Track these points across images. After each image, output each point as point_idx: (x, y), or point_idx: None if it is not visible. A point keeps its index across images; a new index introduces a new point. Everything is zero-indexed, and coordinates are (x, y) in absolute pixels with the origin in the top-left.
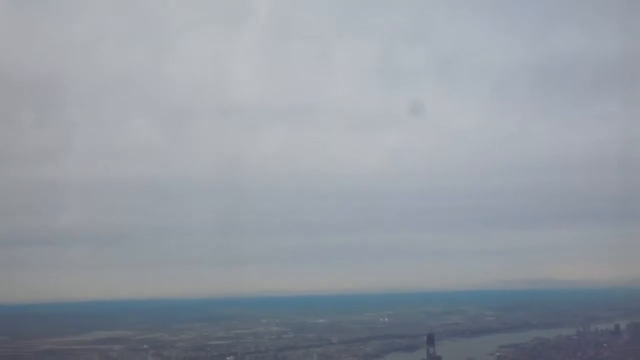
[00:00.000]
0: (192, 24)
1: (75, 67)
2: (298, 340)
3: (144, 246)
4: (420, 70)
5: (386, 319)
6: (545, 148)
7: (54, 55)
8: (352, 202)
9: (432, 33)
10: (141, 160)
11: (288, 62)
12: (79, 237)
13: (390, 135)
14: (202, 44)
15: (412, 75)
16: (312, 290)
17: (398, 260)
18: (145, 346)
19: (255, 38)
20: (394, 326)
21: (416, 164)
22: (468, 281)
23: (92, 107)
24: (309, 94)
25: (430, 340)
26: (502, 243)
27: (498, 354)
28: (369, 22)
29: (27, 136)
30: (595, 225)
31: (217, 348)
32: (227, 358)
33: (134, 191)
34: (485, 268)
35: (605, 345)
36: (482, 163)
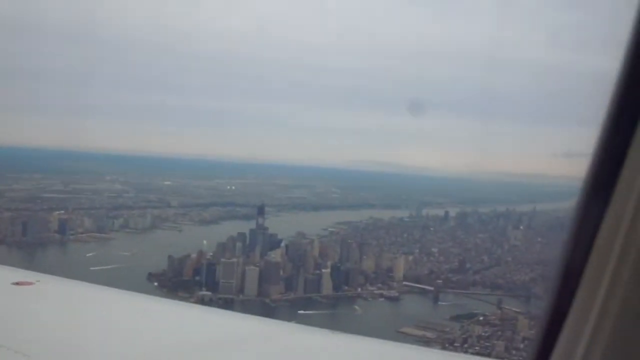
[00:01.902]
0: None
1: None
2: (137, 201)
3: None
4: None
5: (233, 187)
6: (414, 34)
7: None
8: (215, 65)
9: None
10: None
11: None
12: None
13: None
14: None
15: None
16: (164, 152)
17: (253, 129)
18: None
19: None
20: (239, 195)
21: (286, 34)
22: (321, 157)
23: None
24: None
25: (261, 211)
26: (356, 123)
27: (331, 229)
28: None
29: None
30: (447, 115)
31: (49, 201)
32: (56, 212)
33: None
34: (338, 146)
35: (431, 229)
36: (351, 41)
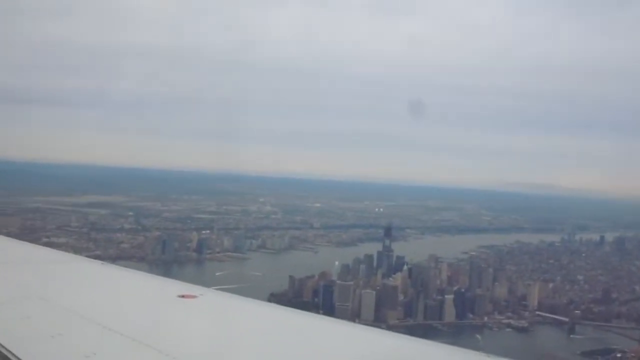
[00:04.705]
0: None
1: None
2: (282, 222)
3: (150, 114)
4: None
5: (381, 209)
6: (568, 51)
7: None
8: (363, 88)
9: None
10: (150, 27)
11: None
12: (86, 100)
13: (408, 22)
14: None
15: None
16: (318, 174)
17: (406, 151)
18: (130, 213)
19: None
20: (384, 217)
21: (431, 55)
22: (473, 179)
23: None
24: None
25: (388, 232)
26: (510, 144)
27: (472, 253)
28: None
29: None
30: (605, 135)
31: (198, 221)
32: (197, 232)
33: (141, 58)
34: (492, 168)
35: (583, 255)
36: (499, 61)
